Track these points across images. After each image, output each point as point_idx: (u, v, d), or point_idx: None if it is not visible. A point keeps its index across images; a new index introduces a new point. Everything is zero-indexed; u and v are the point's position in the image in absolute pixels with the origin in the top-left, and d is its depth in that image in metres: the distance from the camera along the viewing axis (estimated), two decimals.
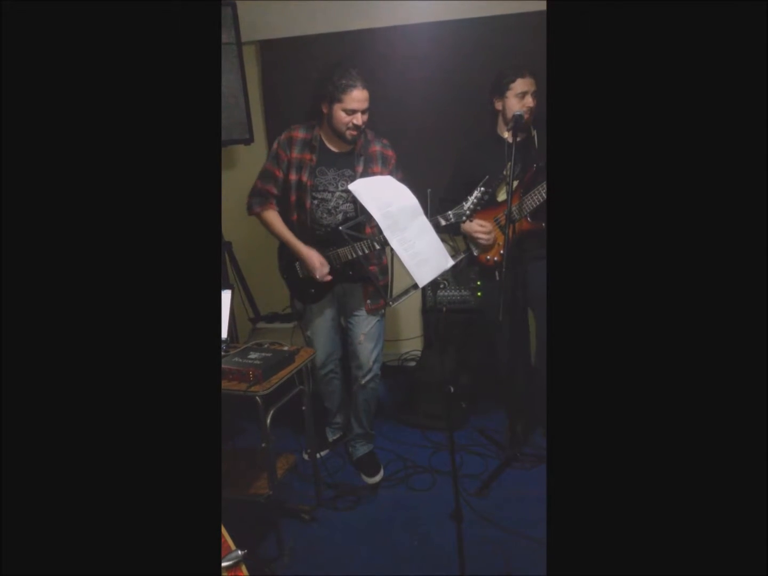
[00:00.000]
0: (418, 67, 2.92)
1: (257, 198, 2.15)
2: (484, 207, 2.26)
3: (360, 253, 2.00)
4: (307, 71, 2.97)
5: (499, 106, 2.24)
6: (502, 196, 2.25)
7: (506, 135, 2.21)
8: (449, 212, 1.90)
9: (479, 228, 2.24)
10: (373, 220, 1.51)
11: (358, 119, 1.98)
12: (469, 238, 2.32)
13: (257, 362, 1.84)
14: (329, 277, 2.08)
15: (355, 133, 2.01)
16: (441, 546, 1.91)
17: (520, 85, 2.15)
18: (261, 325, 2.97)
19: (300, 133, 2.09)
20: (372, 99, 2.04)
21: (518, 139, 2.14)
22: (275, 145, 2.12)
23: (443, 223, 1.92)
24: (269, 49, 3.06)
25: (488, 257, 2.32)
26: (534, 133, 2.24)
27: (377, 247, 1.97)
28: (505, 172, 2.07)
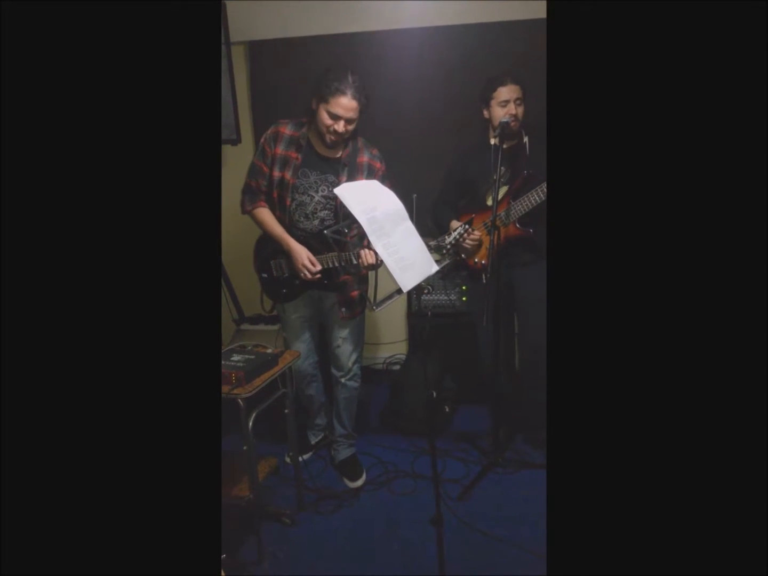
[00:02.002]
0: (408, 72, 2.93)
1: (248, 195, 2.14)
2: (476, 211, 2.28)
3: (337, 265, 2.01)
4: (296, 73, 2.97)
5: (486, 114, 2.27)
6: (489, 201, 2.27)
7: (494, 141, 2.23)
8: (431, 242, 1.86)
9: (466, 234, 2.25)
10: (355, 227, 1.51)
11: (340, 126, 1.94)
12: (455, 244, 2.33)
13: (240, 364, 1.83)
14: (318, 276, 2.04)
15: (334, 138, 1.98)
16: (422, 551, 1.91)
17: (502, 93, 2.18)
18: (245, 326, 2.95)
19: (287, 130, 2.07)
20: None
21: (507, 145, 2.15)
22: (262, 140, 2.11)
23: None
24: (258, 50, 3.05)
25: (476, 260, 2.34)
26: (525, 139, 2.26)
27: (354, 261, 1.96)
28: (495, 177, 2.09)
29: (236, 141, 2.93)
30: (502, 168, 2.09)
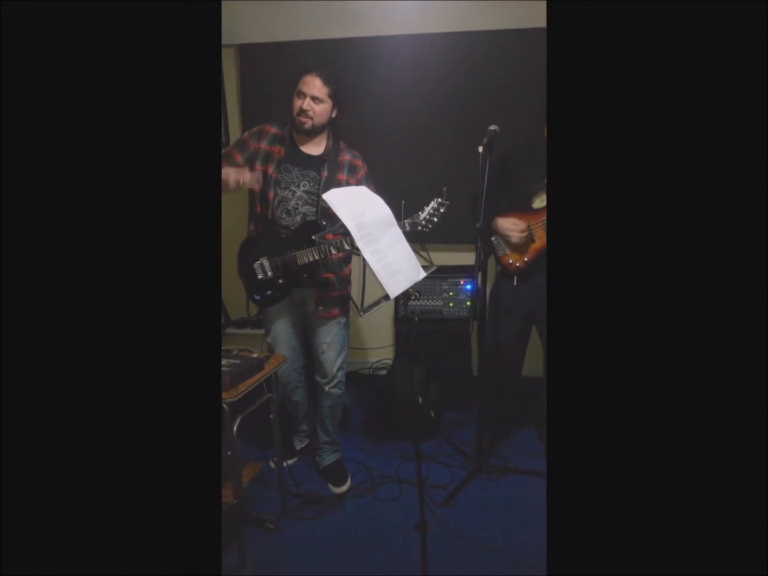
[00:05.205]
0: (397, 79, 2.95)
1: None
2: (520, 210, 2.21)
3: (316, 257, 1.99)
4: (286, 77, 2.94)
5: None
6: (537, 204, 2.21)
7: (481, 150, 2.21)
8: (405, 221, 1.86)
9: (513, 226, 2.21)
10: (338, 228, 1.51)
11: (306, 103, 2.01)
12: (501, 236, 2.27)
13: (225, 369, 1.82)
14: (247, 176, 2.02)
15: (305, 120, 2.03)
16: (406, 557, 1.90)
17: None
18: (231, 330, 2.94)
19: (272, 129, 2.14)
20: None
21: None
22: (245, 134, 2.15)
23: None
24: (249, 53, 3.05)
25: (510, 261, 2.29)
26: None
27: (333, 252, 1.94)
28: (481, 188, 2.05)
29: (225, 143, 2.93)
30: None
